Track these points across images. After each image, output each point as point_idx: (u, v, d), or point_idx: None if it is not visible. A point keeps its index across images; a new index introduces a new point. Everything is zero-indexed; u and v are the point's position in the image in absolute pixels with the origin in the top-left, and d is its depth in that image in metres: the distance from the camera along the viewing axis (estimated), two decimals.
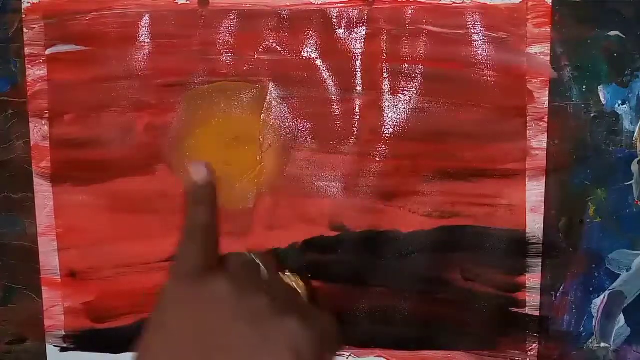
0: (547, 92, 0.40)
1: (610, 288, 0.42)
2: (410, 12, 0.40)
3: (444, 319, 0.42)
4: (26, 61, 0.42)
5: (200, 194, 0.36)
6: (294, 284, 0.35)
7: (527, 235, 0.41)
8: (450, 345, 0.43)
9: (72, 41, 0.42)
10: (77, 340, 0.45)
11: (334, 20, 0.41)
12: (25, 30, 0.42)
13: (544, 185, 0.41)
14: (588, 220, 0.41)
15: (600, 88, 0.40)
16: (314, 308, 0.34)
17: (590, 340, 0.42)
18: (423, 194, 0.41)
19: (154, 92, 0.42)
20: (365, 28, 0.41)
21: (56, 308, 0.44)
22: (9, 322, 0.45)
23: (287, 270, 0.36)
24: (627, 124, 0.40)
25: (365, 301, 0.42)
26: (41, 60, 0.42)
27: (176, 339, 0.30)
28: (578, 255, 0.41)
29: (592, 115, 0.40)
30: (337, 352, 0.35)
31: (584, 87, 0.40)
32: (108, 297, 0.44)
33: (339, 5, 0.41)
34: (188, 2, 0.41)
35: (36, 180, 0.43)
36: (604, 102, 0.40)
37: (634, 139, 0.40)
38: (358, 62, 0.41)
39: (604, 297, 0.42)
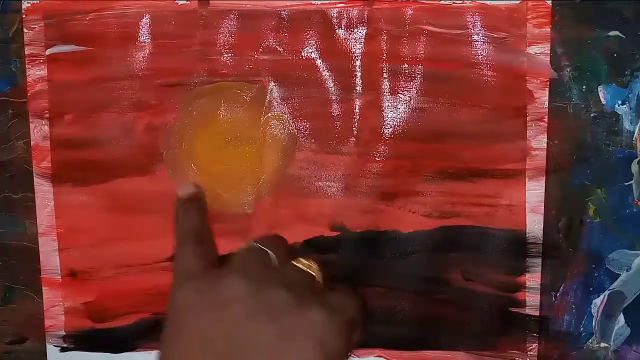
0: (547, 92, 0.40)
1: (610, 288, 0.42)
2: (410, 12, 0.40)
3: (444, 319, 0.42)
4: (26, 61, 0.42)
5: (188, 203, 0.36)
6: (308, 269, 0.33)
7: (527, 235, 0.41)
8: (450, 345, 0.43)
9: (72, 41, 0.42)
10: (77, 340, 0.45)
11: (334, 21, 0.41)
12: (25, 30, 0.42)
13: (544, 185, 0.41)
14: (588, 220, 0.41)
15: (600, 88, 0.40)
16: (333, 292, 0.33)
17: (590, 340, 0.42)
18: (423, 194, 0.41)
19: (154, 92, 0.42)
20: (365, 28, 0.41)
21: (56, 308, 0.44)
22: (9, 322, 0.45)
23: (299, 257, 0.35)
24: (627, 124, 0.40)
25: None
26: (41, 60, 0.42)
27: (196, 346, 0.30)
28: (578, 255, 0.41)
29: (592, 115, 0.40)
30: (365, 331, 0.34)
31: (584, 87, 0.40)
32: (108, 297, 0.44)
33: (339, 5, 0.41)
34: (188, 2, 0.41)
35: (36, 181, 0.43)
36: (603, 102, 0.40)
37: (633, 139, 0.40)
38: (358, 62, 0.41)
39: (604, 297, 0.42)
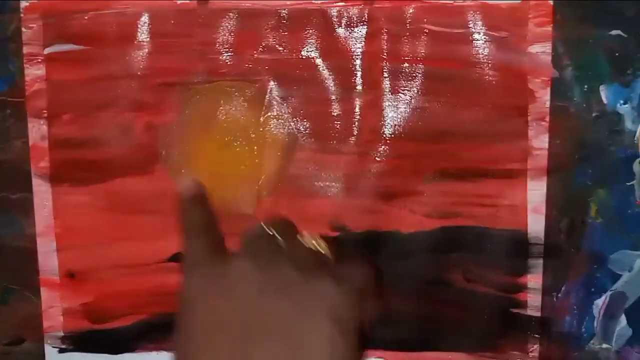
0: (548, 92, 0.40)
1: (611, 289, 0.41)
2: (410, 11, 0.40)
3: (444, 319, 0.42)
4: (24, 61, 0.42)
5: (189, 202, 0.36)
6: (316, 245, 0.33)
7: (528, 235, 0.41)
8: (451, 346, 0.42)
9: (70, 40, 0.42)
10: (75, 341, 0.44)
11: (334, 20, 0.41)
12: (23, 29, 0.42)
13: (545, 185, 0.40)
14: (590, 221, 0.41)
15: (602, 87, 0.40)
16: (343, 265, 0.33)
17: (591, 341, 0.42)
18: (424, 194, 0.41)
19: (153, 92, 0.42)
20: (365, 27, 0.40)
21: (55, 309, 0.44)
22: (7, 323, 0.45)
23: (304, 232, 0.34)
24: (629, 124, 0.40)
25: None
26: (40, 60, 0.42)
27: (211, 332, 0.29)
28: (580, 256, 0.41)
29: (593, 115, 0.40)
30: (381, 300, 0.34)
31: (586, 86, 0.40)
32: (107, 298, 0.44)
33: (339, 4, 0.40)
34: (187, 1, 0.41)
35: (35, 181, 0.43)
36: (605, 102, 0.40)
37: (635, 138, 0.40)
38: (358, 62, 0.41)
39: (606, 298, 0.42)
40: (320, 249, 0.33)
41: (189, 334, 0.30)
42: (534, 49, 0.40)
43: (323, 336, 0.28)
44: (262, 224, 0.35)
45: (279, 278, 0.30)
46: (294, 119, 0.41)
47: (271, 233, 0.34)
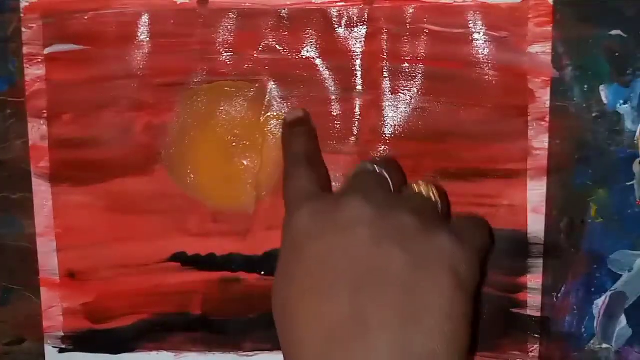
0: (548, 92, 0.40)
1: (611, 289, 0.41)
2: (410, 11, 0.40)
3: None
4: (24, 60, 0.42)
5: (296, 126, 0.34)
6: (431, 194, 0.31)
7: (528, 235, 0.41)
8: None
9: (70, 40, 0.42)
10: (76, 341, 0.44)
11: (334, 19, 0.41)
12: (23, 29, 0.42)
13: (545, 185, 0.40)
14: (590, 221, 0.41)
15: (601, 87, 0.40)
16: (459, 219, 0.31)
17: (591, 341, 0.42)
18: None
19: (153, 92, 0.42)
20: (365, 27, 0.40)
21: (55, 309, 0.44)
22: (7, 323, 0.45)
23: (418, 181, 0.31)
24: (629, 124, 0.40)
25: None
26: (39, 60, 0.42)
27: (318, 275, 0.27)
28: (579, 256, 0.41)
29: (593, 115, 0.40)
30: (490, 253, 0.31)
31: (586, 86, 0.40)
32: (107, 298, 0.44)
33: (339, 4, 0.40)
34: (187, 1, 0.41)
35: (35, 181, 0.43)
36: (605, 102, 0.40)
37: (635, 138, 0.40)
38: (358, 62, 0.41)
39: (606, 298, 0.42)
40: (435, 199, 0.31)
41: (293, 276, 0.28)
42: (534, 49, 0.40)
43: (443, 290, 0.26)
44: (371, 162, 0.32)
45: (396, 225, 0.28)
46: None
47: (379, 172, 0.31)
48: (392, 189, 0.31)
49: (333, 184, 0.41)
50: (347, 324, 0.26)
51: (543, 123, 0.40)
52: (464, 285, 0.27)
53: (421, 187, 0.31)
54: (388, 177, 0.31)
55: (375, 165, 0.32)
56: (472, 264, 0.28)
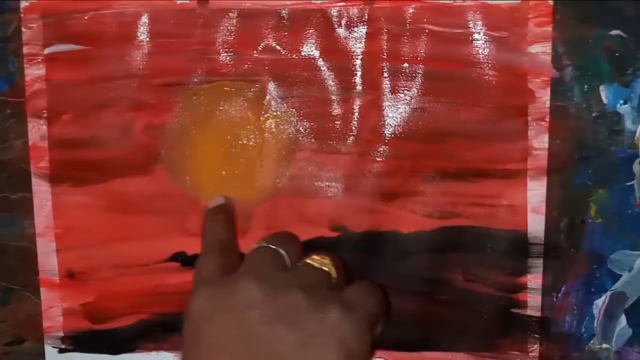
0: (548, 92, 0.40)
1: (611, 289, 0.41)
2: (410, 11, 0.40)
3: (444, 319, 0.42)
4: (24, 60, 0.42)
5: (216, 214, 0.36)
6: (322, 265, 0.32)
7: (528, 235, 0.41)
8: (450, 346, 0.42)
9: (70, 40, 0.42)
10: (75, 342, 0.44)
11: (334, 19, 0.41)
12: (23, 29, 0.42)
13: (545, 185, 0.40)
14: (589, 221, 0.41)
15: (601, 87, 0.40)
16: (350, 288, 0.32)
17: (591, 341, 0.42)
18: (424, 194, 0.41)
19: (153, 92, 0.42)
20: (365, 27, 0.40)
21: (55, 309, 0.44)
22: (7, 323, 0.45)
23: (312, 254, 0.33)
24: (629, 124, 0.40)
25: None
26: (39, 60, 0.42)
27: (215, 356, 0.29)
28: (579, 256, 0.41)
29: (593, 115, 0.40)
30: (385, 324, 0.32)
31: (586, 86, 0.40)
32: (107, 298, 0.44)
33: (339, 4, 0.40)
34: (187, 1, 0.41)
35: (34, 181, 0.43)
36: (605, 102, 0.40)
37: (635, 138, 0.40)
38: (358, 62, 0.41)
39: (606, 298, 0.42)
40: (328, 270, 0.32)
41: (196, 352, 0.30)
42: (534, 49, 0.40)
43: None
44: (266, 241, 0.34)
45: (286, 304, 0.29)
46: (294, 119, 0.41)
47: (276, 250, 0.33)
48: (289, 262, 0.32)
49: (332, 183, 0.41)
50: None
51: (543, 123, 0.40)
52: (354, 357, 0.28)
53: (313, 260, 0.32)
54: (282, 252, 0.33)
55: (270, 243, 0.33)
56: (362, 333, 0.29)
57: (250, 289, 0.30)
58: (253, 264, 0.33)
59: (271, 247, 0.33)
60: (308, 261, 0.33)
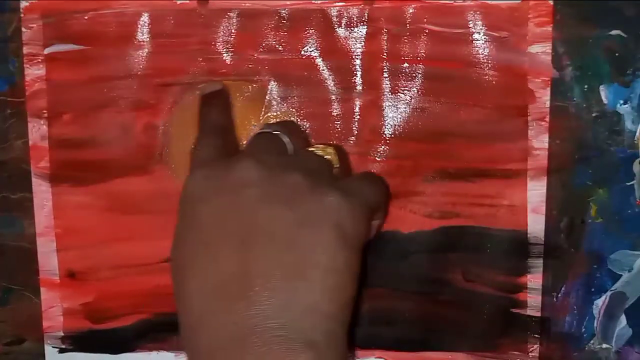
0: (548, 92, 0.40)
1: (611, 289, 0.41)
2: (410, 11, 0.40)
3: (444, 319, 0.42)
4: (24, 60, 0.42)
5: (210, 98, 0.34)
6: (326, 154, 0.32)
7: (528, 235, 0.41)
8: (450, 346, 0.42)
9: (70, 40, 0.42)
10: (75, 341, 0.44)
11: (334, 19, 0.41)
12: (23, 29, 0.42)
13: (545, 185, 0.40)
14: (589, 221, 0.41)
15: (601, 87, 0.40)
16: (353, 177, 0.32)
17: (591, 341, 0.42)
18: (424, 194, 0.41)
19: (153, 92, 0.42)
20: (365, 27, 0.40)
21: (55, 309, 0.44)
22: (7, 323, 0.45)
23: (316, 143, 0.32)
24: (629, 124, 0.40)
25: (365, 302, 0.42)
26: (40, 60, 0.42)
27: (211, 235, 0.28)
28: (579, 256, 0.41)
29: (593, 115, 0.40)
30: (385, 215, 0.31)
31: (586, 86, 0.40)
32: (107, 298, 0.44)
33: (339, 4, 0.40)
34: (187, 1, 0.41)
35: (34, 181, 0.43)
36: (605, 102, 0.40)
37: (635, 138, 0.40)
38: (358, 62, 0.41)
39: (606, 298, 0.42)
40: (330, 158, 0.32)
41: (186, 237, 0.29)
42: (534, 49, 0.40)
43: (326, 246, 0.27)
44: (269, 127, 0.33)
45: (284, 185, 0.29)
46: (294, 119, 0.41)
47: (276, 133, 0.32)
48: (292, 148, 0.32)
49: None
50: (232, 280, 0.27)
51: (543, 123, 0.40)
52: (348, 241, 0.28)
53: (319, 149, 0.32)
54: (288, 139, 0.32)
55: (272, 129, 0.33)
56: (359, 219, 0.29)
57: (249, 169, 0.29)
58: (254, 147, 0.32)
59: (273, 133, 0.33)
60: (311, 149, 0.32)
